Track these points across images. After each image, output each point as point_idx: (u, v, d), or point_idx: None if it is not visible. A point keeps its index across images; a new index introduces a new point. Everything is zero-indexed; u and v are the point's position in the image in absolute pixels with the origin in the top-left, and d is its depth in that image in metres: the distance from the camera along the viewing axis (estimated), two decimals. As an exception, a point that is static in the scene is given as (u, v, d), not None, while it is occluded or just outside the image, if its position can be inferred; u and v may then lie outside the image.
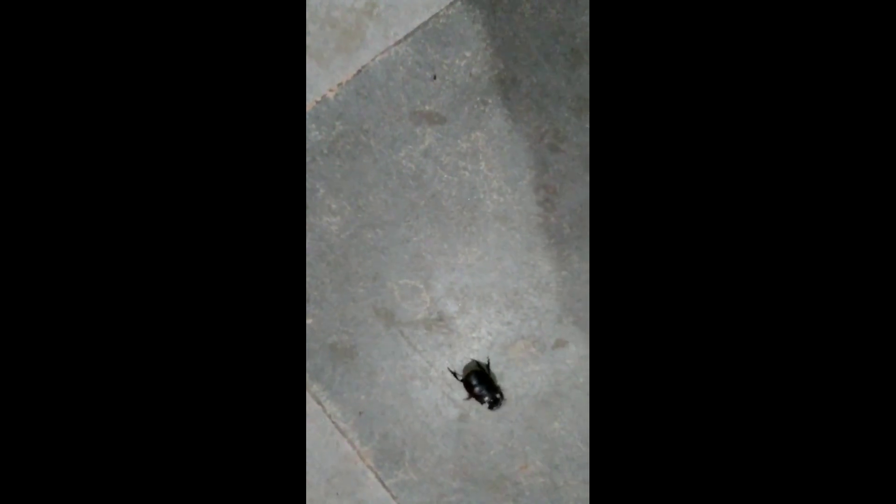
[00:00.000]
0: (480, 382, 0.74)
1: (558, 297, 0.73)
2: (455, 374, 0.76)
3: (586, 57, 0.67)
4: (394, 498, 0.84)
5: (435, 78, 0.68)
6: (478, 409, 0.79)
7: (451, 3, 0.68)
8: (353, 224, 0.72)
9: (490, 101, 0.69)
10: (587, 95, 0.67)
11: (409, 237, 0.72)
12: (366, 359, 0.76)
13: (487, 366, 0.75)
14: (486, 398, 0.74)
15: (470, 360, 0.76)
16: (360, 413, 0.79)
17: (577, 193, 0.70)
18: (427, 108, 0.69)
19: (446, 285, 0.73)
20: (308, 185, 0.72)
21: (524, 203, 0.70)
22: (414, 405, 0.78)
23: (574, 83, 0.68)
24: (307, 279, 0.74)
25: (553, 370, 0.76)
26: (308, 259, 0.74)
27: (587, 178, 0.69)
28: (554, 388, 0.77)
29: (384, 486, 0.84)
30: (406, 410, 0.78)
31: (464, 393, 0.75)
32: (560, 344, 0.75)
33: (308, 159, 0.72)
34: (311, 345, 0.77)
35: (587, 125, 0.68)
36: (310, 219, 0.73)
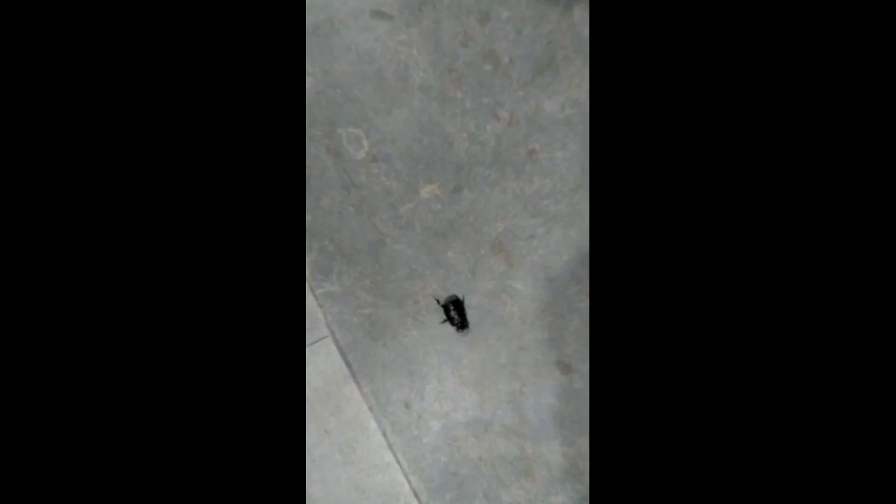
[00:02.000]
0: (456, 309, 1.01)
1: (459, 153, 1.00)
2: (438, 301, 1.02)
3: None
4: (320, 307, 1.09)
5: (390, -11, 0.98)
6: (392, 237, 1.04)
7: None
8: (320, 83, 1.00)
9: (424, 8, 0.98)
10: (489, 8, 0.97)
11: (358, 97, 1.00)
12: (315, 185, 1.03)
13: (462, 300, 1.01)
14: (457, 321, 1.01)
15: (451, 294, 1.02)
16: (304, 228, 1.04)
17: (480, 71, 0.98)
18: (382, 9, 0.99)
19: (381, 135, 1.01)
20: (292, 54, 1.01)
21: (441, 80, 0.98)
22: (346, 226, 1.04)
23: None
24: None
25: (452, 210, 1.02)
26: (284, 107, 1.02)
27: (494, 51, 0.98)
28: (450, 225, 1.03)
29: (314, 294, 1.08)
30: (341, 229, 1.04)
31: (442, 316, 1.02)
32: (458, 189, 1.02)
33: (295, 35, 1.01)
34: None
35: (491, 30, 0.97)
36: (290, 78, 1.01)
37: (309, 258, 1.06)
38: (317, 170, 1.01)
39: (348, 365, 1.08)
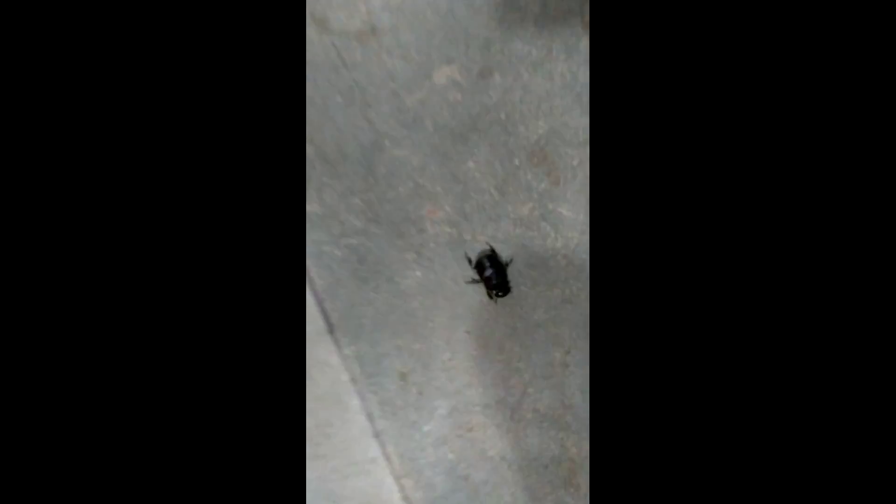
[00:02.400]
0: (493, 267, 0.75)
1: (488, 23, 0.74)
2: (469, 260, 0.77)
3: None
4: (296, 235, 0.81)
5: None
6: (393, 139, 0.77)
7: None
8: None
9: None
10: None
11: (356, -54, 0.75)
12: (293, 64, 0.77)
13: (503, 259, 0.76)
14: (495, 283, 0.74)
15: (485, 247, 0.77)
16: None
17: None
18: None
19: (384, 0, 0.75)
20: None
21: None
22: (332, 122, 0.78)
23: None
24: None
25: (475, 101, 0.75)
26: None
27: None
28: (473, 122, 0.76)
29: (288, 217, 0.81)
30: (323, 126, 0.78)
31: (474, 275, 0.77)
32: (485, 73, 0.75)
33: None
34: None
35: None
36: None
37: (278, 164, 0.79)
38: (295, 42, 0.75)
39: (325, 316, 0.80)
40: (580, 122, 0.75)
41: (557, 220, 0.77)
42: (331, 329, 0.81)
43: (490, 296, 0.76)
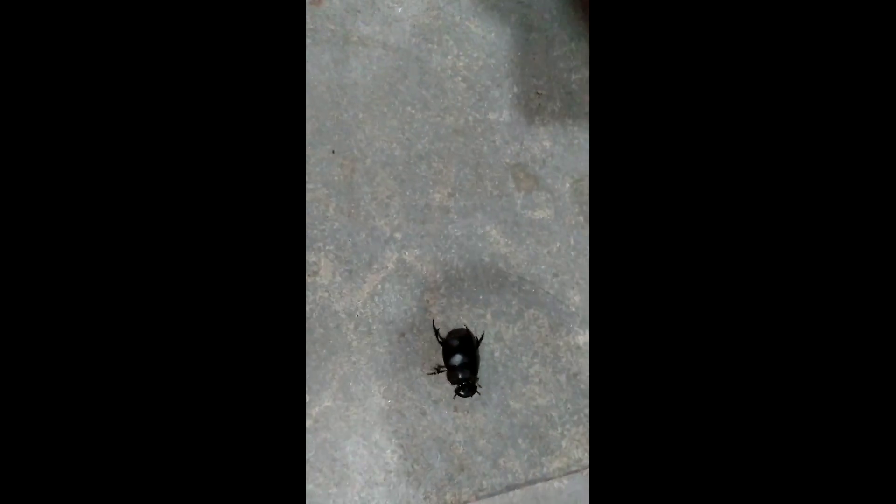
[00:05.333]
0: (463, 352, 0.59)
1: None
2: (437, 332, 0.61)
3: None
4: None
5: None
6: None
7: None
8: None
9: None
10: None
11: None
12: None
13: (479, 340, 0.62)
14: (461, 377, 0.59)
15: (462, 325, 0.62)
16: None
17: None
18: None
19: None
20: None
21: None
22: None
23: None
24: None
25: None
26: None
27: None
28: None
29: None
30: None
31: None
32: None
33: None
34: None
35: None
36: None
37: None
38: None
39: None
40: None
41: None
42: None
43: (451, 383, 0.60)
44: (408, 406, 0.60)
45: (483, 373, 0.61)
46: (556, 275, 0.63)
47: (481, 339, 0.61)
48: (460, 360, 0.58)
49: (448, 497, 0.59)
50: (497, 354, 0.61)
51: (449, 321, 0.61)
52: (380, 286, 0.62)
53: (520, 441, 0.60)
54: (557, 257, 0.63)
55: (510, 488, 0.59)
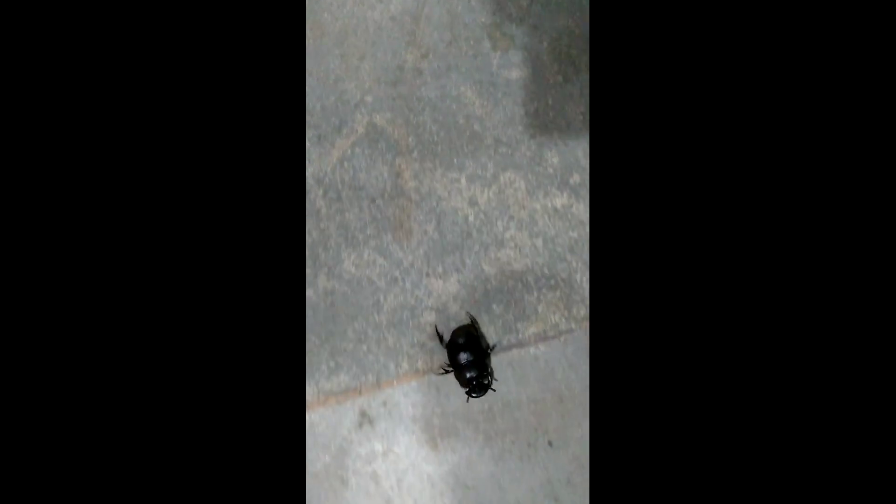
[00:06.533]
0: (469, 350, 0.56)
1: None
2: (440, 337, 0.58)
3: None
4: None
5: None
6: None
7: None
8: None
9: None
10: None
11: None
12: None
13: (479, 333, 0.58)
14: (470, 377, 0.55)
15: (464, 321, 0.59)
16: None
17: None
18: None
19: None
20: None
21: None
22: None
23: None
24: None
25: None
26: None
27: None
28: None
29: None
30: None
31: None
32: None
33: None
34: None
35: None
36: None
37: None
38: None
39: None
40: None
41: None
42: None
43: (469, 394, 0.56)
44: (379, 273, 0.58)
45: (457, 238, 0.58)
46: (533, 136, 0.59)
47: (489, 347, 0.57)
48: (466, 357, 0.55)
49: (419, 364, 0.57)
50: (471, 219, 0.59)
51: (422, 186, 0.59)
52: (349, 151, 0.60)
53: (494, 307, 0.57)
54: (535, 118, 0.60)
55: (484, 356, 0.56)
